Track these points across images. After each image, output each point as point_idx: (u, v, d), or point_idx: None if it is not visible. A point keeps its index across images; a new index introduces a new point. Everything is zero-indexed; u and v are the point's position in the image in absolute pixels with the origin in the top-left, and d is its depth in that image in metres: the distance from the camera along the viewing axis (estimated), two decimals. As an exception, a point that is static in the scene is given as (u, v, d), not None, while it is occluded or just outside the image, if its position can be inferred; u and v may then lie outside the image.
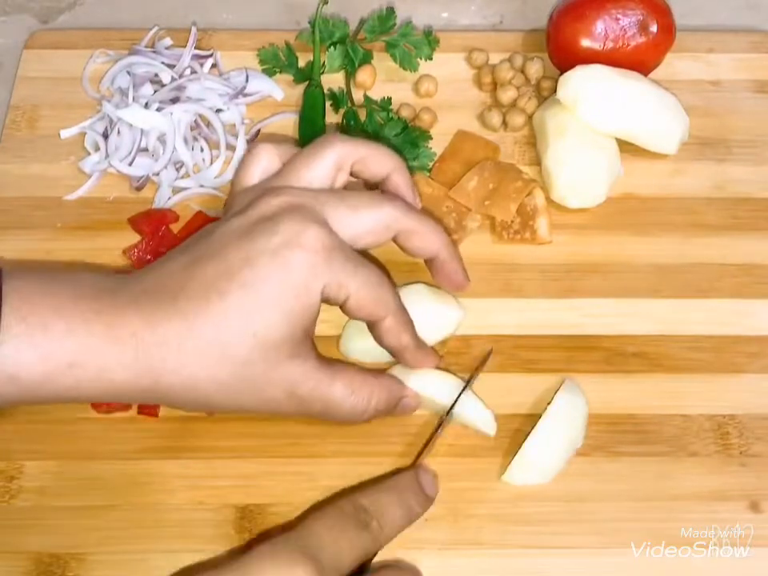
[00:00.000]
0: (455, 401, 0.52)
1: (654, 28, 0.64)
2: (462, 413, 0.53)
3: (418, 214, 0.52)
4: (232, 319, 0.45)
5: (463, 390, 0.53)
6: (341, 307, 0.49)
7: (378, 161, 0.52)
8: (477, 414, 0.53)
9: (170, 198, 0.63)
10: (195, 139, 0.65)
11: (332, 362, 0.50)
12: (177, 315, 0.45)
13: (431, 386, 0.53)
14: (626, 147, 0.63)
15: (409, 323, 0.51)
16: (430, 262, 0.54)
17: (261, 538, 0.50)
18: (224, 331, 0.45)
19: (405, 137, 0.64)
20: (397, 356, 0.52)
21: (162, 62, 0.67)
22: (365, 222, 0.49)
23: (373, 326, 0.50)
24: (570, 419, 0.53)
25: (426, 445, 0.52)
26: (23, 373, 0.44)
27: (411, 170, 0.63)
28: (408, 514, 0.47)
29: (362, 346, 0.54)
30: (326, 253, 0.46)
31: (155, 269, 0.48)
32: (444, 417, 0.52)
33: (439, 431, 0.52)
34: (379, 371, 0.53)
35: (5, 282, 0.44)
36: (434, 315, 0.55)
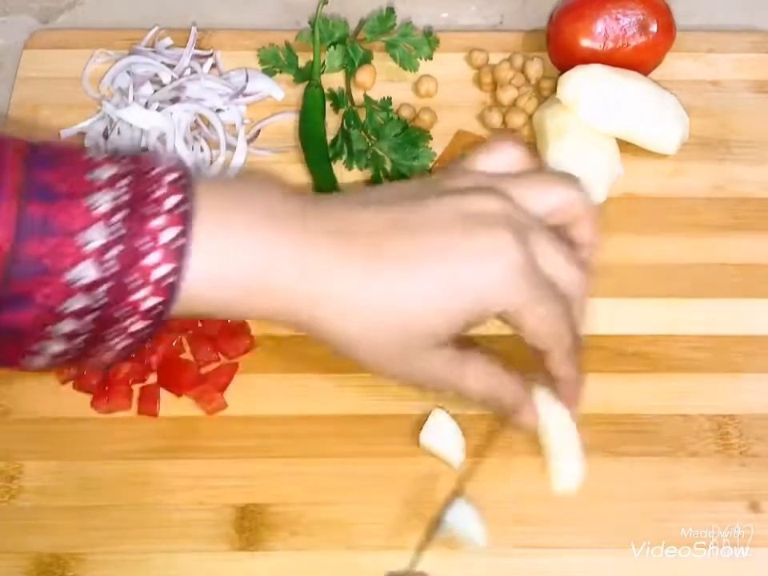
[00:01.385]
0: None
1: (653, 28, 0.64)
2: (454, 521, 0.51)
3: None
4: (412, 298, 0.45)
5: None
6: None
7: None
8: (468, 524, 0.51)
9: (170, 198, 0.63)
10: (195, 139, 0.65)
11: (465, 350, 0.48)
12: (367, 269, 0.44)
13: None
14: (626, 147, 0.63)
15: (574, 354, 0.48)
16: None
17: None
18: (400, 302, 0.45)
19: (405, 137, 0.64)
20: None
21: (162, 62, 0.67)
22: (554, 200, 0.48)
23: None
24: (564, 423, 0.52)
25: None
26: (205, 290, 0.42)
27: (411, 170, 0.63)
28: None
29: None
30: (519, 278, 0.45)
31: (352, 212, 0.46)
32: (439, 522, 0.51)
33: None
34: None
35: (198, 198, 0.42)
36: (434, 315, 0.55)
